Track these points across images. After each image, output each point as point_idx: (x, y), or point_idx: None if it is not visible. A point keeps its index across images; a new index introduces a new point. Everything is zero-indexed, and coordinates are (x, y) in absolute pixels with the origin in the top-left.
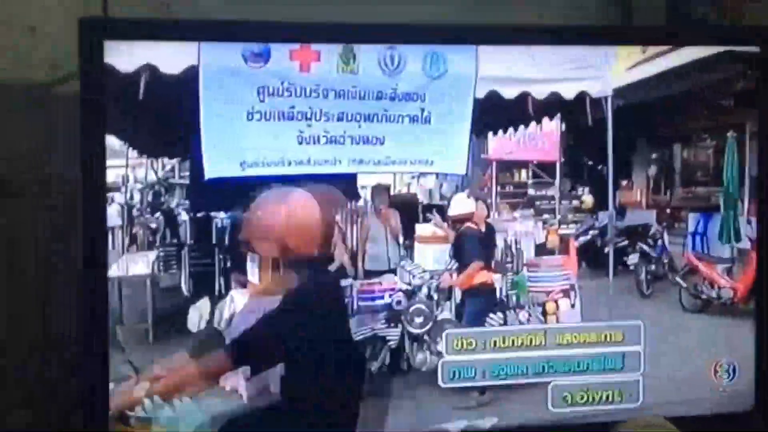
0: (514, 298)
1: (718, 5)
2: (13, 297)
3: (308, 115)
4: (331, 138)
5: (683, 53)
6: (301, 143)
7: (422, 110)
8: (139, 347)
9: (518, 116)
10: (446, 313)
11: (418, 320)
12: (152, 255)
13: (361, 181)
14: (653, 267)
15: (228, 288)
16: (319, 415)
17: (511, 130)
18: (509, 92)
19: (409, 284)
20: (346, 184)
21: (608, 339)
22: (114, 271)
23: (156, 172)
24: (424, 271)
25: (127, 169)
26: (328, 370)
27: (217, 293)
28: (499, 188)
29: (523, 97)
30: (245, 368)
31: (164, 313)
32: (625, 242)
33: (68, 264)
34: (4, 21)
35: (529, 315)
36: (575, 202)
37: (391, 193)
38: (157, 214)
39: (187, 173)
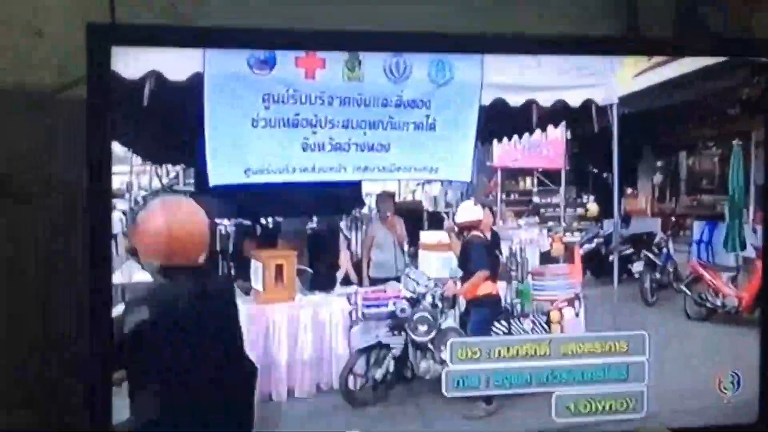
0: (518, 307)
1: (726, 15)
2: (14, 297)
3: (313, 122)
4: (336, 145)
5: (689, 61)
6: (306, 150)
7: (427, 117)
8: None
9: (524, 124)
10: (450, 321)
11: (422, 328)
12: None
13: (366, 188)
14: (658, 275)
15: None
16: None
17: (516, 137)
18: (515, 100)
19: (414, 292)
20: (351, 191)
21: (613, 349)
22: (117, 277)
23: (160, 179)
24: (429, 279)
25: (131, 175)
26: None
27: None
28: (504, 196)
29: (529, 104)
30: None
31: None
32: (630, 250)
33: (69, 264)
34: (9, 24)
35: (534, 324)
36: (580, 210)
37: (396, 200)
38: None
39: (192, 180)
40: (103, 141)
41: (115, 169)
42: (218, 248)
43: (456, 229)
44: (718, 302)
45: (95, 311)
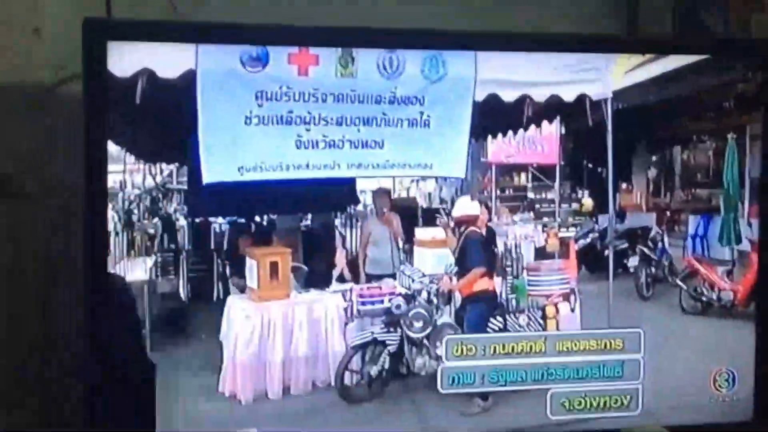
0: (513, 302)
1: (725, 14)
2: (12, 297)
3: (307, 120)
4: (330, 142)
5: (684, 56)
6: (299, 148)
7: (421, 114)
8: None
9: (518, 119)
10: (446, 317)
11: (418, 325)
12: (150, 260)
13: (360, 185)
14: (653, 269)
15: (226, 293)
16: None
17: (510, 133)
18: (509, 95)
19: (409, 288)
20: (345, 188)
21: (608, 347)
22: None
23: (154, 177)
24: (424, 276)
25: (124, 174)
26: None
27: (215, 299)
28: (498, 192)
29: (523, 100)
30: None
31: (162, 319)
32: (625, 245)
33: (68, 264)
34: (7, 23)
35: (529, 319)
36: (575, 205)
37: (392, 196)
38: (155, 220)
39: (185, 178)
40: (100, 136)
41: (108, 168)
42: (212, 246)
43: (452, 224)
44: (714, 296)
45: (93, 310)
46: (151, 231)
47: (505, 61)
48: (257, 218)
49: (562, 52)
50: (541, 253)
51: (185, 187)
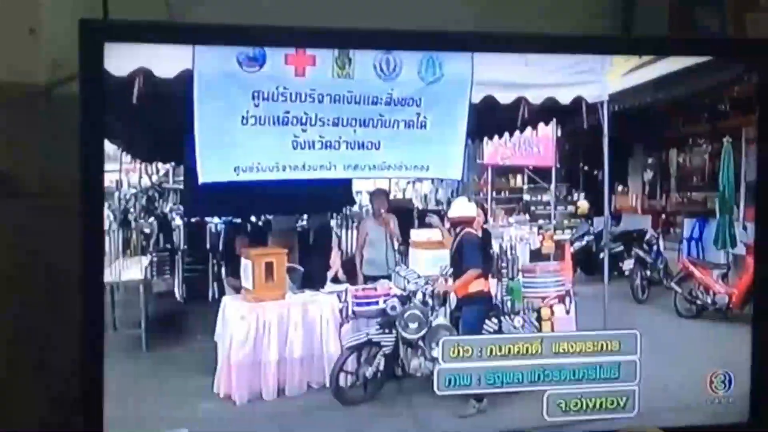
0: (509, 304)
1: (721, 15)
2: (10, 297)
3: (303, 120)
4: (326, 143)
5: (680, 59)
6: (296, 148)
7: (418, 115)
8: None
9: (514, 121)
10: (441, 318)
11: (413, 326)
12: (145, 260)
13: (356, 186)
14: (648, 272)
15: (221, 293)
16: None
17: (506, 135)
18: (505, 97)
19: (404, 290)
20: (341, 189)
21: (604, 348)
22: (107, 275)
23: (150, 177)
24: (419, 277)
25: (120, 173)
26: None
27: (210, 299)
28: (494, 193)
29: (519, 102)
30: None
31: (158, 319)
32: (621, 247)
33: (66, 264)
34: (3, 22)
35: (524, 321)
36: (570, 208)
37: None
38: (151, 219)
39: (181, 178)
40: (96, 136)
41: (105, 167)
42: (208, 246)
43: (447, 224)
44: (709, 299)
45: (87, 309)
46: (147, 230)
47: (501, 62)
48: (253, 218)
49: (559, 53)
50: (536, 255)
51: (181, 187)
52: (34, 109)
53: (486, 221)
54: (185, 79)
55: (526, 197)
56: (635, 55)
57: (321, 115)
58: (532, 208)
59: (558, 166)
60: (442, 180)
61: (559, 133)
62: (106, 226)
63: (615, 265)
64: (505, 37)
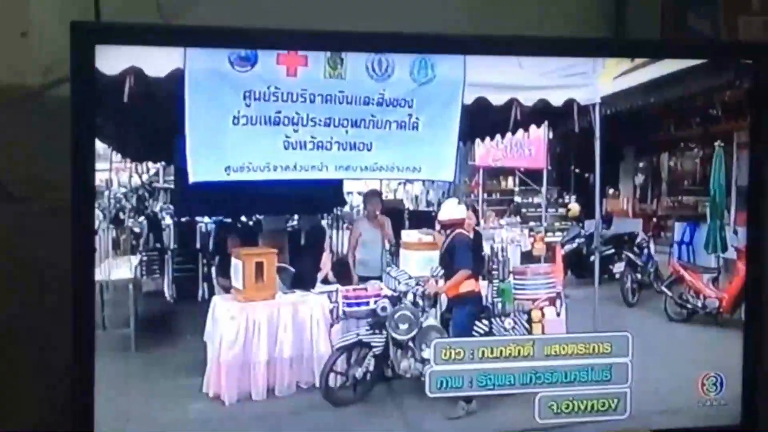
0: (499, 306)
1: (713, 18)
2: (1, 299)
3: (295, 120)
4: (318, 144)
5: (672, 62)
6: (287, 148)
7: (410, 116)
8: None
9: (506, 123)
10: (431, 319)
11: (403, 327)
12: (135, 259)
13: (347, 187)
14: (639, 276)
15: (211, 293)
16: None
17: (498, 136)
18: (497, 99)
19: (395, 290)
20: (332, 189)
21: (596, 350)
22: (96, 274)
23: (140, 176)
24: (410, 278)
25: (111, 172)
26: None
27: (200, 299)
28: (485, 195)
29: (511, 103)
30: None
31: (147, 319)
32: (612, 250)
33: (56, 267)
34: None
35: (515, 323)
36: (562, 210)
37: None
38: (141, 218)
39: (172, 177)
40: (88, 139)
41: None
42: (198, 246)
43: (438, 226)
44: (699, 303)
45: (78, 310)
46: (137, 230)
47: (494, 64)
48: (243, 218)
49: (551, 55)
50: (527, 257)
51: (172, 186)
52: (25, 112)
53: (478, 223)
54: (176, 78)
55: (518, 199)
56: (627, 58)
57: (313, 115)
58: (524, 210)
59: (549, 168)
60: (433, 181)
61: (551, 136)
62: (95, 226)
63: (605, 268)
64: (498, 39)
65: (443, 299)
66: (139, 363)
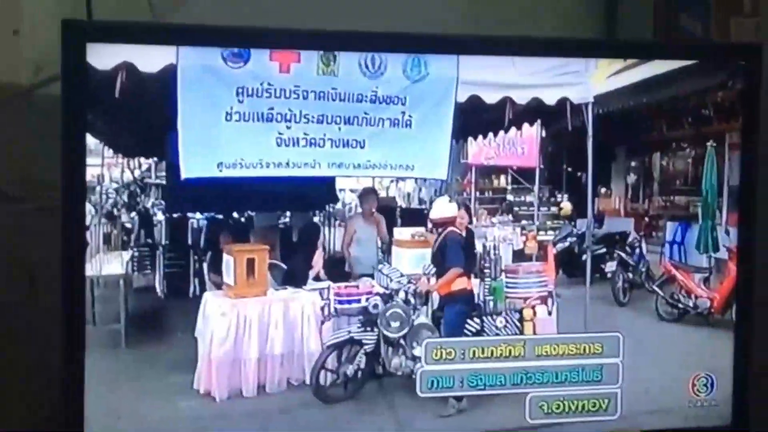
0: (491, 304)
1: (705, 19)
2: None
3: (288, 117)
4: (311, 140)
5: (665, 62)
6: (280, 145)
7: (403, 114)
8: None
9: (499, 121)
10: (423, 317)
11: (395, 324)
12: (126, 255)
13: (339, 184)
14: (630, 275)
15: (203, 290)
16: None
17: (491, 135)
18: (490, 97)
19: (386, 288)
20: (325, 186)
21: (587, 351)
22: (87, 270)
23: (132, 172)
24: (402, 275)
25: (102, 168)
26: None
27: (191, 295)
28: (478, 194)
29: (504, 101)
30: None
31: (138, 315)
32: (603, 250)
33: (48, 266)
34: None
35: (506, 321)
36: (554, 209)
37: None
38: (133, 214)
39: (164, 173)
40: (79, 137)
41: (86, 161)
42: (190, 242)
43: (430, 224)
44: (690, 303)
45: (69, 308)
46: (128, 225)
47: (487, 62)
48: (235, 215)
49: (543, 56)
50: (519, 256)
51: (164, 182)
52: (17, 111)
53: (471, 222)
54: (169, 74)
55: (510, 198)
56: (620, 59)
57: (306, 112)
58: (516, 208)
59: (542, 167)
60: (425, 179)
61: (544, 134)
62: (87, 221)
63: (597, 267)
64: (491, 40)
65: (435, 297)
66: (129, 359)
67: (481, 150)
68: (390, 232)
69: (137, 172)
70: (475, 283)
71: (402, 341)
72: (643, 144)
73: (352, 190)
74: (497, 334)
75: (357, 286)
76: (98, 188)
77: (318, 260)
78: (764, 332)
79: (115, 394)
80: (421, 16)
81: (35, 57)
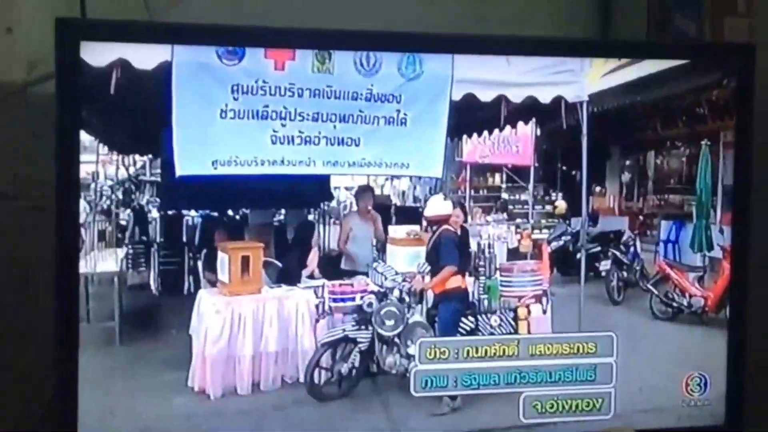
0: (486, 303)
1: (699, 19)
2: None
3: (282, 115)
4: (306, 138)
5: (659, 62)
6: (274, 143)
7: (398, 112)
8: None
9: (494, 119)
10: (417, 316)
11: (389, 323)
12: (121, 252)
13: (334, 181)
14: (625, 274)
15: (197, 287)
16: None
17: (486, 133)
18: (485, 95)
19: (381, 286)
20: (319, 184)
21: (581, 350)
22: (81, 267)
23: (127, 169)
24: (397, 273)
25: (97, 165)
26: None
27: (186, 292)
28: (472, 192)
29: (499, 100)
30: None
31: (132, 312)
32: (598, 248)
33: (42, 264)
34: None
35: (501, 320)
36: (548, 207)
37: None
38: (127, 211)
39: (159, 170)
40: (73, 135)
41: (81, 158)
42: (184, 239)
43: (425, 222)
44: (684, 302)
45: (62, 306)
46: (123, 222)
47: (482, 61)
48: (230, 212)
49: (537, 55)
50: (514, 254)
51: (158, 180)
52: (10, 108)
53: (466, 220)
54: (163, 71)
55: (505, 196)
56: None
57: (300, 109)
58: (510, 207)
59: (536, 165)
60: (420, 177)
61: (538, 133)
62: (81, 218)
63: (592, 265)
64: (485, 39)
65: (429, 295)
66: (123, 357)
67: (475, 148)
68: (385, 230)
69: (132, 170)
70: (469, 282)
71: (396, 339)
72: (637, 143)
73: (347, 188)
74: (492, 333)
75: (351, 284)
76: (93, 185)
77: (313, 258)
78: (758, 331)
79: (110, 392)
80: (416, 15)
81: (29, 55)
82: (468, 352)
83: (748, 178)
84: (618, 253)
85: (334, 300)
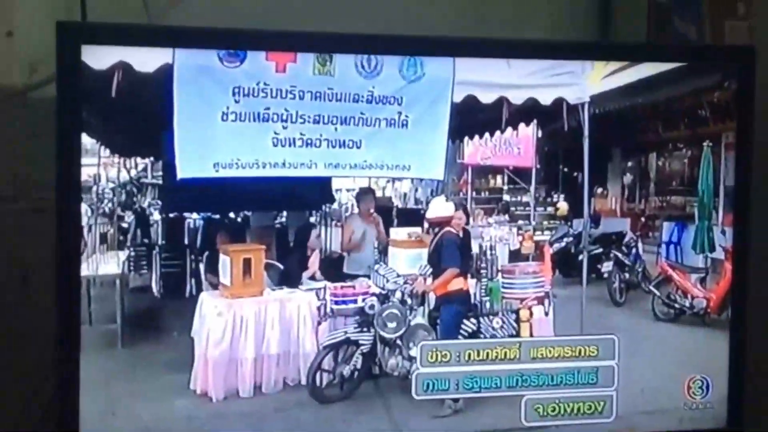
0: (488, 304)
1: (699, 22)
2: None
3: (284, 117)
4: (307, 141)
5: (660, 63)
6: (276, 145)
7: (399, 114)
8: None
9: (495, 121)
10: (419, 318)
11: (391, 325)
12: (123, 255)
13: (336, 184)
14: (627, 275)
15: (199, 289)
16: None
17: (487, 135)
18: (486, 97)
19: (383, 288)
20: (321, 186)
21: (583, 353)
22: (83, 270)
23: (129, 172)
24: (398, 276)
25: (99, 167)
26: None
27: (187, 295)
28: (474, 194)
29: (500, 102)
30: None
31: (134, 315)
32: (600, 250)
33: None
34: None
35: (503, 322)
36: (550, 209)
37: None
38: (129, 214)
39: (160, 173)
40: (74, 139)
41: (82, 161)
42: (186, 242)
43: (427, 224)
44: (687, 303)
45: (63, 308)
46: (125, 225)
47: (483, 63)
48: (232, 215)
49: (537, 58)
50: (515, 256)
51: (160, 182)
52: (11, 111)
53: (468, 222)
54: (165, 73)
55: (506, 198)
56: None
57: (302, 112)
58: (512, 208)
59: (538, 167)
60: (421, 179)
61: (540, 134)
62: (83, 221)
63: (593, 267)
64: (486, 42)
65: (431, 298)
66: (125, 359)
67: (477, 150)
68: (386, 232)
69: (134, 172)
70: (471, 284)
71: (398, 342)
72: (639, 144)
73: (348, 190)
74: (494, 335)
75: (353, 287)
76: (95, 188)
77: (314, 260)
78: (759, 333)
79: (111, 394)
80: (417, 18)
81: (30, 58)
82: (469, 355)
83: (749, 179)
84: (620, 255)
85: (336, 302)
